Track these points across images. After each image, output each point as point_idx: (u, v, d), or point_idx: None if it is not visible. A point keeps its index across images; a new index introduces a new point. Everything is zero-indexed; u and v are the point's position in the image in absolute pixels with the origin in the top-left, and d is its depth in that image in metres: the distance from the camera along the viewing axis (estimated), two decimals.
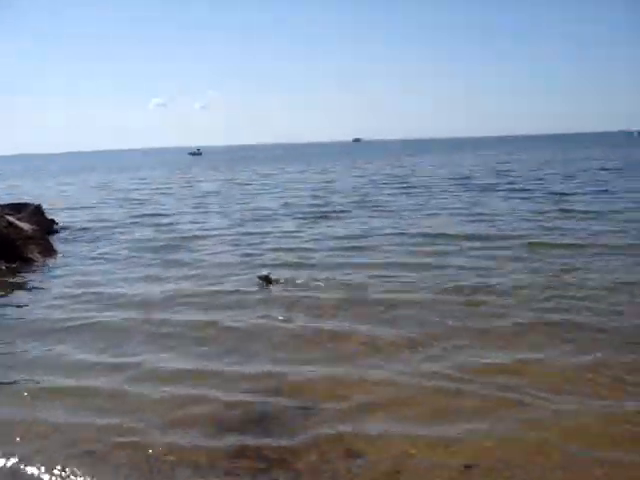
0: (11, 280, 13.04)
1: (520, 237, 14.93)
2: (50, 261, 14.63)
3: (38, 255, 14.75)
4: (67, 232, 19.05)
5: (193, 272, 12.59)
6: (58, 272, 13.50)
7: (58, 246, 16.03)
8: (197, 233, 17.89)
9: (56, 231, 18.92)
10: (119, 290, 11.30)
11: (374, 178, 39.42)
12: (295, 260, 13.41)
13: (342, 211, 21.73)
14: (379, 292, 10.43)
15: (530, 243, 14.13)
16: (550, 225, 16.63)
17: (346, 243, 15.28)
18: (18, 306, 10.81)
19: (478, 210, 20.47)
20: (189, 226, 19.38)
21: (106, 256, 14.96)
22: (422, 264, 12.42)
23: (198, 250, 15.21)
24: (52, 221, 19.54)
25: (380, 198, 25.82)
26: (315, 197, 27.59)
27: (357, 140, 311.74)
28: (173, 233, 18.04)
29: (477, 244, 14.35)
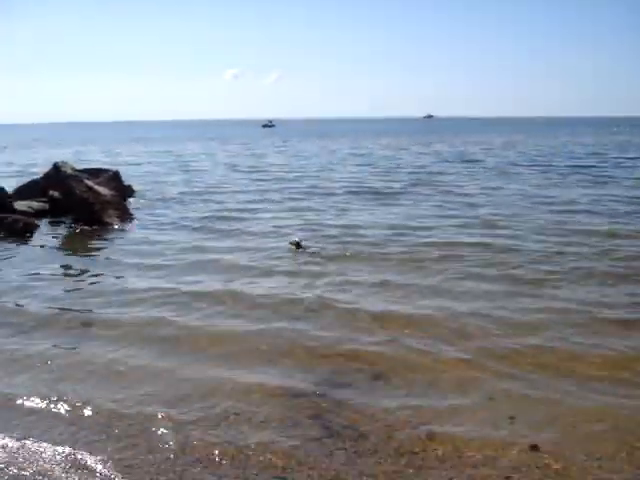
0: (88, 243, 13.70)
1: (599, 233, 13.26)
2: (127, 226, 15.16)
3: (116, 219, 15.28)
4: (142, 199, 19.62)
5: (246, 244, 12.85)
6: (133, 237, 14.02)
7: (134, 212, 16.52)
8: (254, 206, 18.06)
9: (132, 197, 19.46)
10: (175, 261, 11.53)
11: (445, 156, 38.86)
12: (342, 237, 13.29)
13: (404, 192, 20.83)
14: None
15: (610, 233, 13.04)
16: None
17: (401, 225, 14.57)
18: (86, 271, 11.21)
19: (558, 199, 18.50)
20: (247, 203, 19.05)
21: (175, 225, 15.33)
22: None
23: (251, 224, 15.29)
24: (129, 187, 20.07)
25: (448, 178, 25.04)
26: (378, 174, 27.13)
27: (429, 117, 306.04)
28: (230, 206, 18.17)
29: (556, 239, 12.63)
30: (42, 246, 13.31)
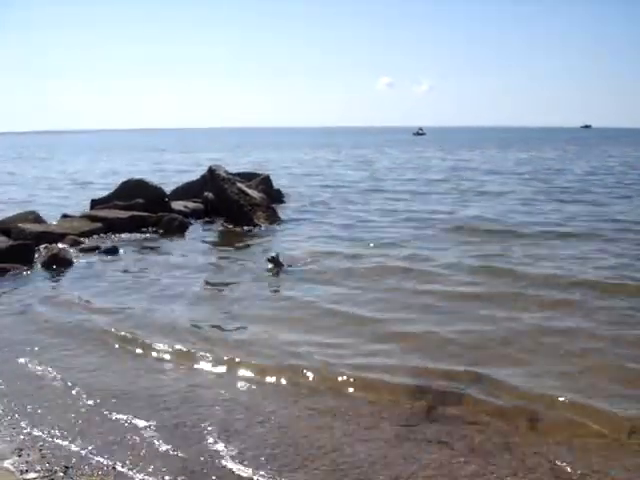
0: (235, 241, 14.28)
1: None
2: (274, 228, 15.57)
3: (264, 221, 15.78)
4: (291, 203, 20.08)
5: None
6: (277, 239, 14.41)
7: (282, 215, 16.93)
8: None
9: (281, 201, 20.02)
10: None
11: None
12: None
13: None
14: None
15: None
16: None
17: None
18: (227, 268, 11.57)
19: None
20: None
21: (321, 229, 15.48)
22: None
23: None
24: (278, 191, 20.69)
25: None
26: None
27: (587, 127, 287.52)
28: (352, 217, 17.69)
29: None
30: (194, 242, 14.20)
